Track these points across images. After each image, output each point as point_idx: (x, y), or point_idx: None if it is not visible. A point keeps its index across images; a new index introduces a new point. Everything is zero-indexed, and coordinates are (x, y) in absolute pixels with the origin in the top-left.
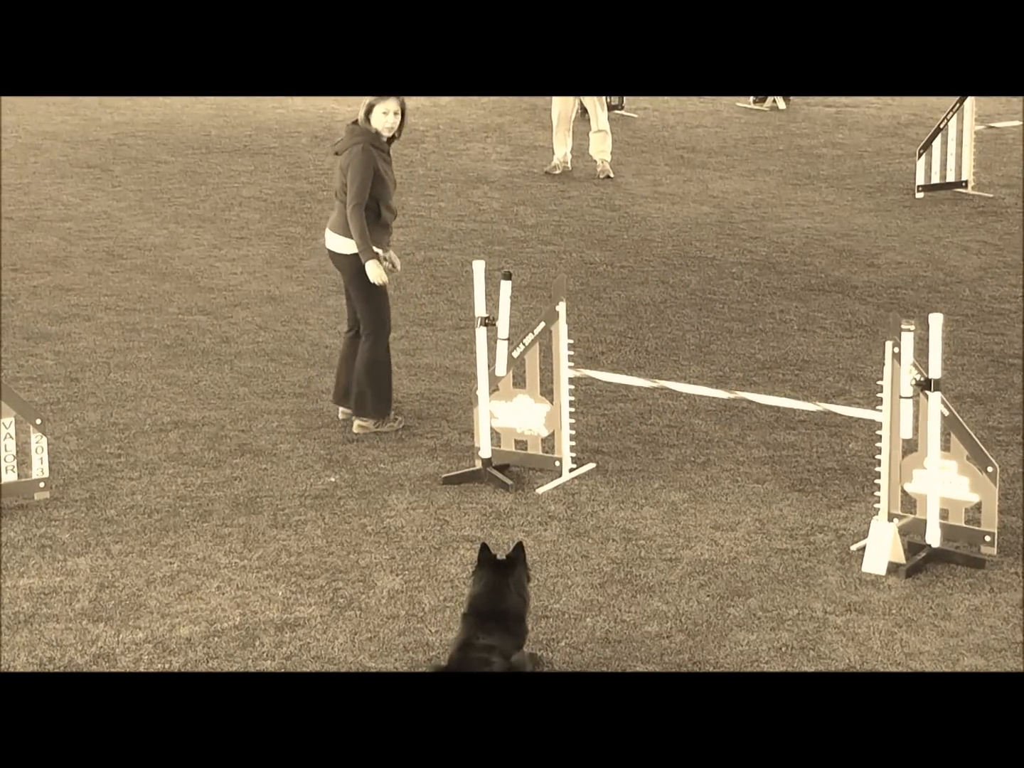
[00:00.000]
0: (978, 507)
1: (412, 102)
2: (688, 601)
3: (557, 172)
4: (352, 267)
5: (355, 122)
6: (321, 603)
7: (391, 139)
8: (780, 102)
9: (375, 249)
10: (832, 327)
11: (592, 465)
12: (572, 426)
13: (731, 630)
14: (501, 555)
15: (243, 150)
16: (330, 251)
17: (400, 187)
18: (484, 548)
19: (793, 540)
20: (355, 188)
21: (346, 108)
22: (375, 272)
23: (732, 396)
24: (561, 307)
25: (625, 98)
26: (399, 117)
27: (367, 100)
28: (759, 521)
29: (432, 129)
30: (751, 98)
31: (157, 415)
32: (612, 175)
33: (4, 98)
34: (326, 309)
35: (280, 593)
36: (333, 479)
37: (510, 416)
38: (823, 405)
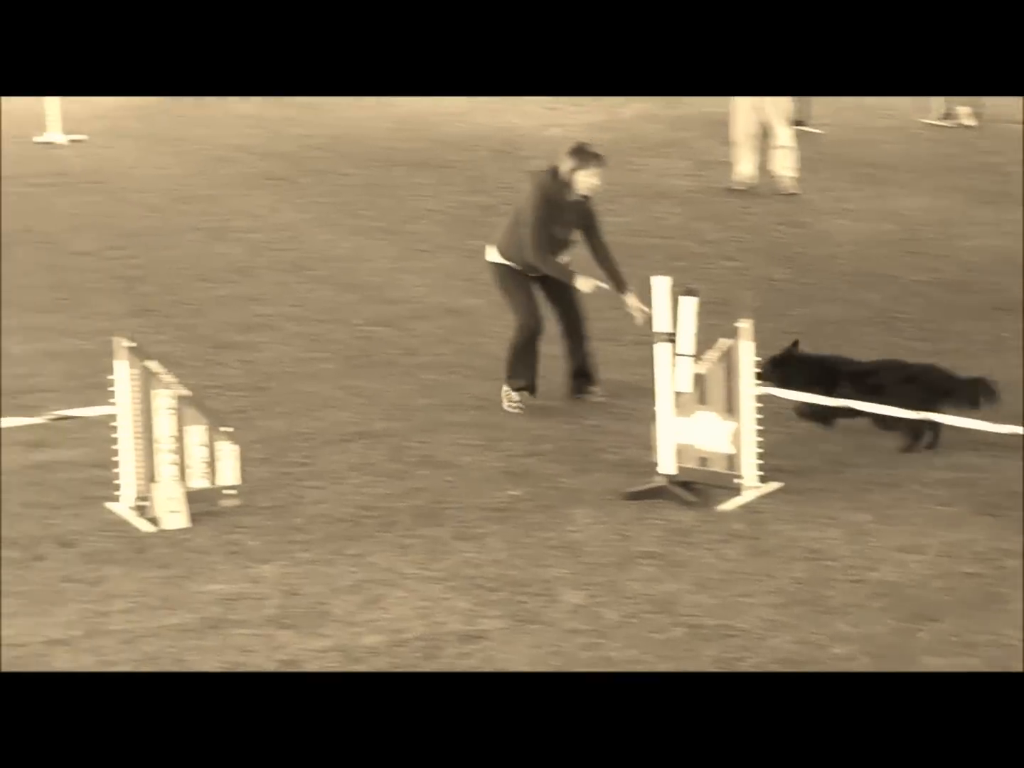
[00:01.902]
0: None
1: (591, 116)
2: (874, 624)
3: (740, 188)
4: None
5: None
6: (503, 616)
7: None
8: (968, 119)
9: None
10: (1021, 348)
11: (776, 484)
12: (757, 444)
13: (918, 655)
14: None
15: (425, 163)
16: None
17: None
18: None
19: (982, 564)
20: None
21: (528, 123)
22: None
23: (917, 416)
24: (745, 324)
25: (810, 114)
26: (597, 180)
27: (568, 164)
28: (947, 544)
29: (613, 144)
30: (937, 115)
31: (341, 425)
32: (796, 191)
33: (198, 112)
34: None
35: (463, 605)
36: (516, 492)
37: (693, 433)
38: (1012, 427)
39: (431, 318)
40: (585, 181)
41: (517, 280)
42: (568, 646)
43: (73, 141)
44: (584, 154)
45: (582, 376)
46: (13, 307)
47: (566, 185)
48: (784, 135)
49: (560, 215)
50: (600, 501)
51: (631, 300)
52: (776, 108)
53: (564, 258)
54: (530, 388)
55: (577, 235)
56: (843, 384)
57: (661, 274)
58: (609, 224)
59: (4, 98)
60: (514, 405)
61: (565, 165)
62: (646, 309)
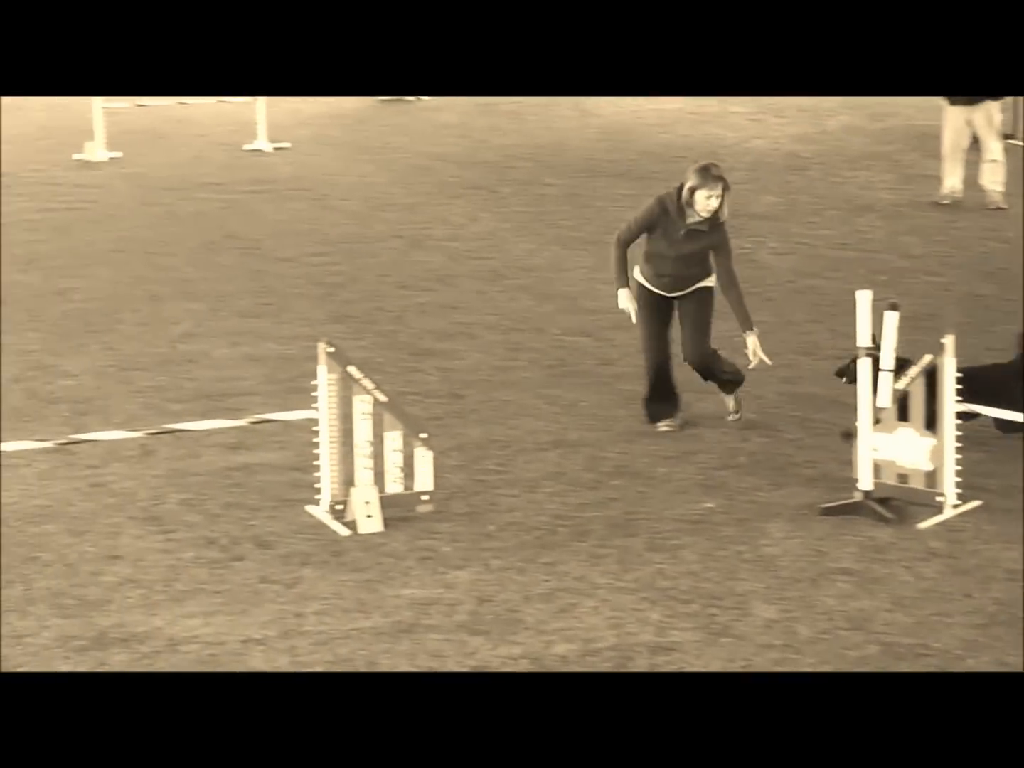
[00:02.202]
0: None
1: (796, 128)
2: None
3: (946, 202)
4: None
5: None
6: (695, 628)
7: (716, 222)
8: None
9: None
10: None
11: (977, 502)
12: (957, 461)
13: None
14: None
15: (627, 174)
16: None
17: (782, 214)
18: None
19: None
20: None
21: (732, 134)
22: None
23: None
24: (948, 340)
25: (1019, 127)
26: (717, 200)
27: (690, 182)
28: None
29: (817, 156)
30: None
31: (537, 434)
32: (1003, 206)
33: (401, 121)
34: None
35: (655, 616)
36: (710, 504)
37: (892, 449)
38: None
39: (629, 329)
40: (703, 202)
41: (649, 306)
42: (760, 660)
43: (277, 149)
44: (705, 175)
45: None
46: (218, 312)
47: (688, 204)
48: (995, 149)
49: (674, 232)
50: (795, 515)
51: (751, 341)
52: (988, 121)
53: (666, 278)
54: (673, 415)
55: (705, 258)
56: None
57: (863, 288)
58: (811, 237)
59: (217, 106)
60: (667, 426)
61: (688, 183)
62: (765, 358)
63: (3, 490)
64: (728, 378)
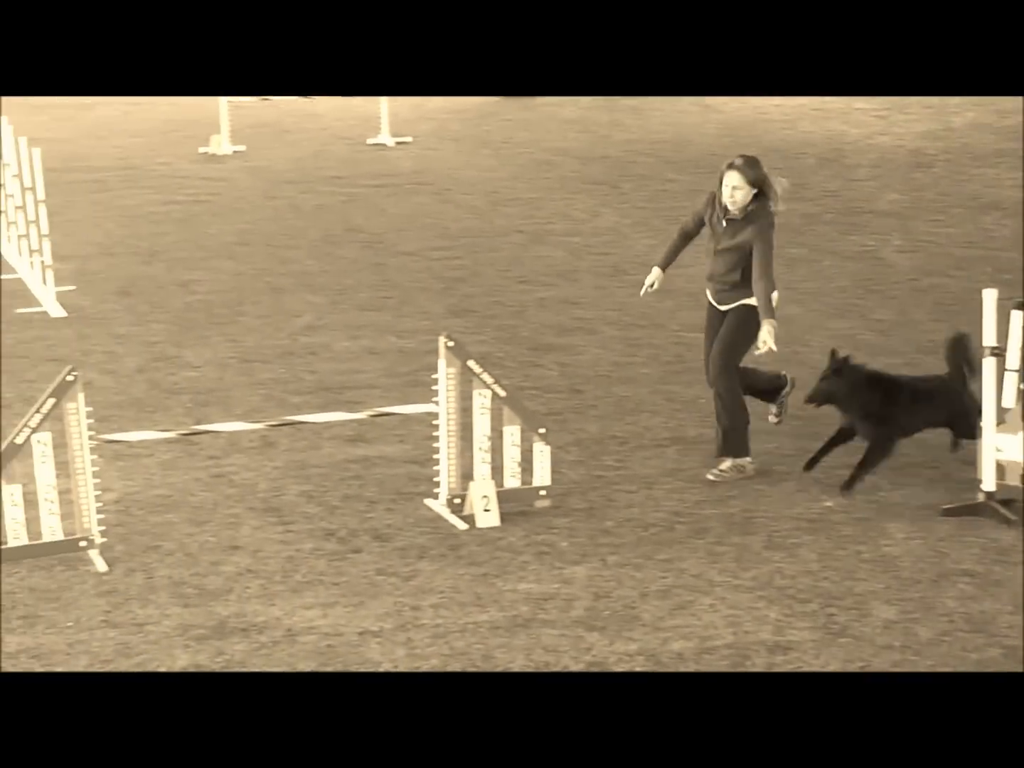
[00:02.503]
0: None
1: (922, 125)
2: None
3: None
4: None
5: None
6: (814, 628)
7: (754, 215)
8: None
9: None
10: None
11: None
12: None
13: None
14: None
15: None
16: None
17: (906, 211)
18: None
19: None
20: None
21: (856, 131)
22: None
23: None
24: None
25: None
26: (739, 192)
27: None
28: None
29: (943, 153)
30: None
31: (655, 430)
32: None
33: (523, 115)
34: (827, 332)
35: (772, 615)
36: (829, 503)
37: (1017, 450)
38: None
39: None
40: (728, 193)
41: (708, 320)
42: (879, 662)
43: (400, 143)
44: (729, 163)
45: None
46: (339, 304)
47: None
48: None
49: (717, 224)
50: (917, 516)
51: (764, 330)
52: None
53: (715, 283)
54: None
55: (746, 260)
56: None
57: (989, 287)
58: (935, 235)
59: (340, 101)
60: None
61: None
62: (773, 346)
63: (126, 479)
64: (767, 387)
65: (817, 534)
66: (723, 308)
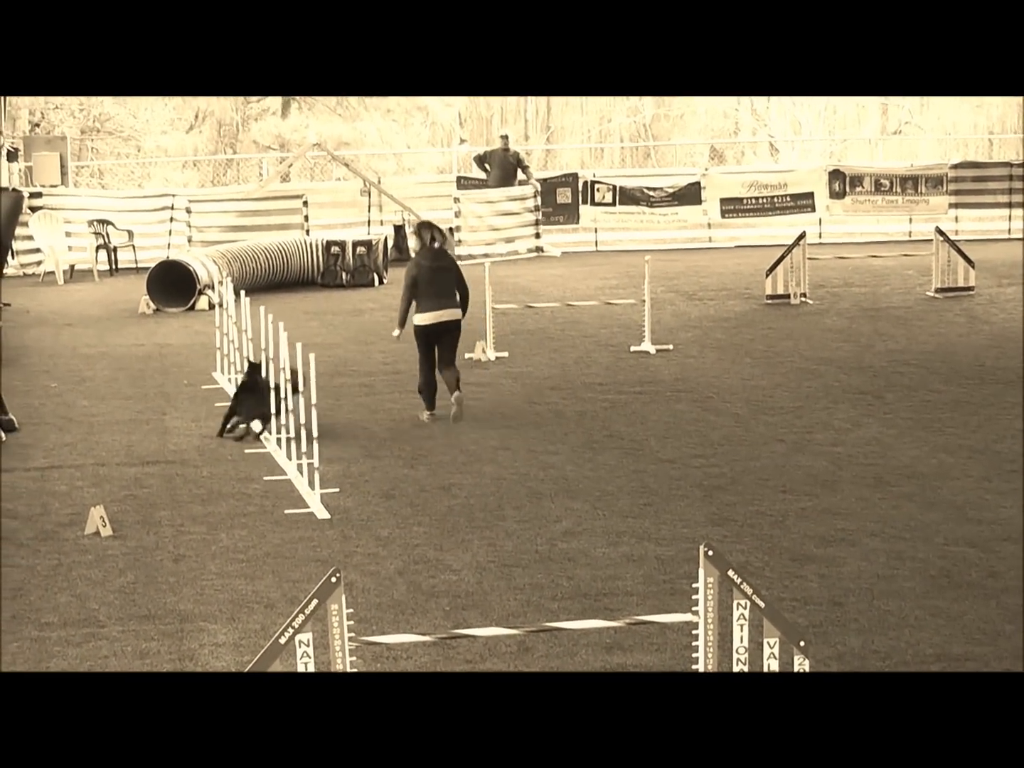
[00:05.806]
0: None
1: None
2: None
3: None
4: None
5: None
6: None
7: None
8: None
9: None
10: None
11: None
12: None
13: None
14: None
15: (1016, 382)
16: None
17: None
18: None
19: None
20: None
21: None
22: None
23: None
24: None
25: None
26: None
27: None
28: None
29: None
30: None
31: (920, 646)
32: None
33: (786, 325)
34: None
35: None
36: None
37: None
38: None
39: (1019, 541)
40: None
41: None
42: None
43: (660, 351)
44: None
45: None
46: (599, 510)
47: None
48: None
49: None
50: None
51: None
52: None
53: None
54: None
55: None
56: None
57: None
58: None
59: (602, 308)
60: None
61: None
62: None
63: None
64: None
65: None
66: None
